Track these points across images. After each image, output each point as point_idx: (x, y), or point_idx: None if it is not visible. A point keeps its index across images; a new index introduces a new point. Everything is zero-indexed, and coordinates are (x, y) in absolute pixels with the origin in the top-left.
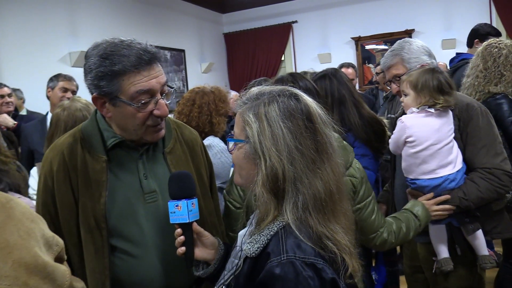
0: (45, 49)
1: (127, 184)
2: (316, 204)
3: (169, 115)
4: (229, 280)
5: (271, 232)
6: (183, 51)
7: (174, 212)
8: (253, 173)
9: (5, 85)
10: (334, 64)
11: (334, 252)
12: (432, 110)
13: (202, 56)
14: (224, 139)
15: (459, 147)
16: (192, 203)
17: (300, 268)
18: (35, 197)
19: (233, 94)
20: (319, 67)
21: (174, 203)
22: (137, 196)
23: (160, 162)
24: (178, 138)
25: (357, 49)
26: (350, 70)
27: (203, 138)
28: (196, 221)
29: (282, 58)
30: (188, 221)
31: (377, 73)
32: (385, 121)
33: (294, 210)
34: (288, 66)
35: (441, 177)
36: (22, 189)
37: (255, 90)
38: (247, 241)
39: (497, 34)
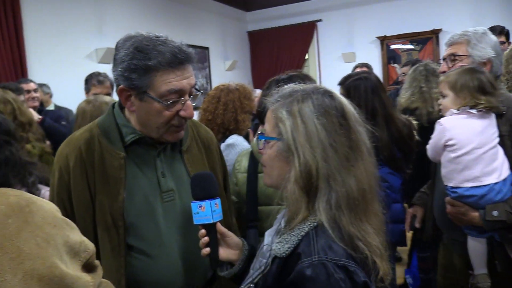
0: (72, 46)
1: (145, 182)
2: (349, 203)
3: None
4: (257, 279)
5: (302, 232)
6: (207, 48)
7: (198, 213)
8: (284, 172)
9: (31, 81)
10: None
11: (365, 254)
12: (474, 111)
13: (226, 54)
14: (248, 137)
15: (508, 154)
16: (216, 203)
17: (332, 270)
18: None
19: (258, 92)
20: (343, 67)
21: (198, 203)
22: (155, 194)
23: (177, 161)
24: (194, 137)
25: (382, 49)
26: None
27: (228, 136)
28: (219, 221)
29: (306, 57)
30: (212, 222)
31: (404, 74)
32: (414, 122)
33: (327, 208)
34: (311, 65)
35: (486, 185)
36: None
37: (287, 88)
38: (276, 241)
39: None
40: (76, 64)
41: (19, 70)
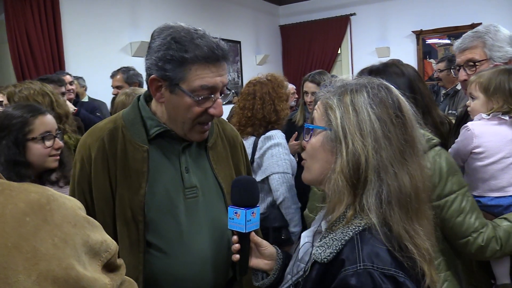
0: (107, 39)
1: (168, 176)
2: (400, 199)
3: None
4: (296, 282)
5: (346, 237)
6: (239, 42)
7: (233, 219)
8: (328, 165)
9: (67, 73)
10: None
11: (413, 258)
12: (506, 117)
13: (258, 48)
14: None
15: None
16: (252, 213)
17: (379, 280)
18: None
19: (290, 87)
20: (377, 61)
21: (234, 209)
22: (177, 190)
23: (202, 157)
24: (219, 134)
25: (418, 43)
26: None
27: (270, 129)
28: (255, 230)
29: (339, 52)
30: (244, 232)
31: (440, 70)
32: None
33: (377, 203)
34: (344, 60)
35: (511, 196)
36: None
37: (339, 80)
38: (316, 244)
39: None
40: (111, 57)
41: (57, 63)
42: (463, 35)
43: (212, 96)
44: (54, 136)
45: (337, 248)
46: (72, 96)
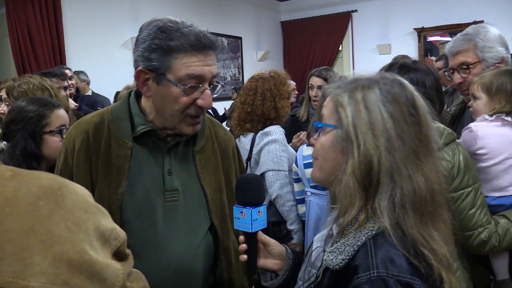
0: (108, 34)
1: (149, 177)
2: (415, 202)
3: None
4: None
5: (359, 242)
6: (240, 38)
7: (238, 219)
8: (339, 165)
9: (67, 68)
10: (394, 56)
11: (430, 262)
12: (510, 118)
13: (259, 44)
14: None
15: None
16: (259, 211)
17: None
18: None
19: (291, 83)
20: (378, 59)
21: (239, 209)
22: (157, 192)
23: (188, 160)
24: (210, 137)
25: (419, 41)
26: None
27: (269, 125)
28: (262, 229)
29: (340, 48)
30: (251, 231)
31: (439, 68)
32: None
33: (390, 207)
34: (345, 57)
35: None
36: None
37: (350, 75)
38: (327, 250)
39: None
40: (112, 52)
41: (57, 57)
42: (453, 38)
43: (200, 86)
44: (67, 129)
45: (349, 254)
46: (73, 91)
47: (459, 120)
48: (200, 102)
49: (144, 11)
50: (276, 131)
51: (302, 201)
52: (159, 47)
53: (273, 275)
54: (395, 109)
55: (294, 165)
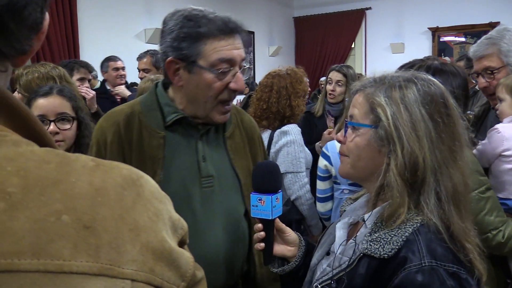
0: (122, 26)
1: (184, 164)
2: (455, 198)
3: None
4: (338, 276)
5: (406, 233)
6: (252, 33)
7: (256, 206)
8: (375, 164)
9: (119, 59)
10: (407, 55)
11: (471, 256)
12: None
13: (271, 39)
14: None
15: None
16: (277, 198)
17: (444, 277)
18: None
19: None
20: (391, 58)
21: (257, 196)
22: (193, 179)
23: (220, 146)
24: (238, 125)
25: (433, 40)
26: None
27: (285, 124)
28: (278, 216)
29: (352, 46)
30: (271, 218)
31: None
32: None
33: (437, 204)
34: (357, 54)
35: None
36: None
37: (381, 73)
38: (367, 239)
39: None
40: (125, 44)
41: (71, 49)
42: (478, 42)
43: (233, 69)
44: (51, 121)
45: (398, 244)
46: (124, 81)
47: (483, 121)
48: (232, 85)
49: (158, 3)
50: (294, 131)
51: (327, 198)
52: (188, 35)
53: (281, 262)
54: (433, 110)
55: (326, 163)
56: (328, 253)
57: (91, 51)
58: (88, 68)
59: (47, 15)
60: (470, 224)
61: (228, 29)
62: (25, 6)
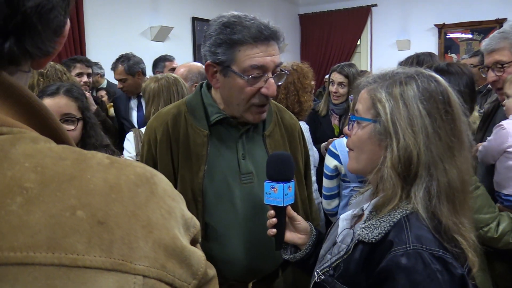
0: (128, 23)
1: (225, 161)
2: (449, 193)
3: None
4: (335, 263)
5: (394, 219)
6: None
7: (270, 194)
8: (375, 156)
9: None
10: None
11: (460, 247)
12: None
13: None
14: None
15: None
16: (289, 187)
17: (428, 260)
18: (129, 159)
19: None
20: (397, 55)
21: (271, 184)
22: (234, 175)
23: (259, 144)
24: (278, 122)
25: (439, 37)
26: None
27: None
28: (290, 204)
29: (358, 43)
30: (282, 205)
31: (473, 66)
32: (476, 114)
33: (426, 197)
34: (363, 52)
35: None
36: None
37: (384, 69)
38: (361, 226)
39: None
40: (131, 41)
41: (78, 46)
42: (490, 36)
43: (264, 75)
44: None
45: (385, 229)
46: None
47: (492, 118)
48: (264, 90)
49: (163, 1)
50: (303, 129)
51: (333, 196)
52: (224, 42)
53: (293, 249)
54: (431, 106)
55: (336, 163)
56: (334, 244)
57: (97, 49)
58: (85, 62)
59: (68, 20)
60: (467, 219)
61: (262, 36)
62: (52, 9)
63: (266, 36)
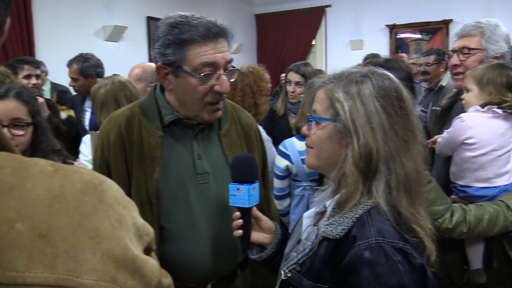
0: (79, 23)
1: (180, 162)
2: (406, 186)
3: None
4: (301, 260)
5: (356, 215)
6: None
7: (235, 195)
8: (335, 154)
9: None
10: (366, 52)
11: (419, 237)
12: (500, 111)
13: (232, 36)
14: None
15: None
16: (254, 188)
17: (390, 253)
18: (86, 163)
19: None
20: (350, 54)
21: (236, 186)
22: (190, 176)
23: (215, 144)
24: (234, 121)
25: (390, 37)
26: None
27: None
28: (255, 205)
29: (313, 43)
30: (248, 206)
31: (429, 64)
32: (424, 114)
33: (386, 191)
34: (318, 51)
35: (496, 187)
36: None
37: (340, 69)
38: (325, 223)
39: None
40: (83, 41)
41: (26, 47)
42: (465, 24)
43: (216, 72)
44: (4, 126)
45: (348, 225)
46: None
47: (449, 113)
48: (217, 88)
49: (116, 0)
50: (263, 132)
51: (285, 196)
52: (173, 42)
53: (259, 249)
54: (387, 103)
55: (288, 163)
56: (299, 241)
57: (47, 49)
58: (34, 64)
59: (8, 19)
60: (423, 209)
61: (211, 34)
62: None
63: (214, 33)
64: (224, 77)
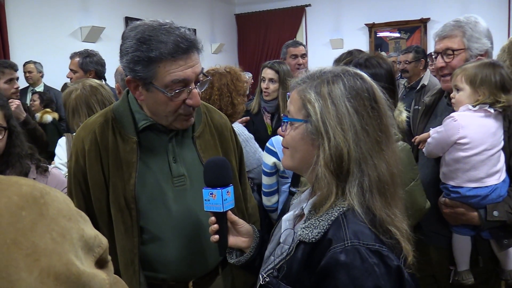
0: (56, 24)
1: (157, 166)
2: (379, 187)
3: None
4: (279, 265)
5: (332, 217)
6: (194, 30)
7: (209, 200)
8: (309, 155)
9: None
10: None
11: (395, 238)
12: (492, 110)
13: (213, 36)
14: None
15: (505, 150)
16: (228, 192)
17: (366, 255)
18: (61, 166)
19: (248, 76)
20: (330, 53)
21: (209, 191)
22: (166, 179)
23: (189, 147)
24: (207, 123)
25: (370, 36)
26: (301, 48)
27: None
28: (231, 209)
29: None
30: (222, 211)
31: (408, 62)
32: (404, 116)
33: (359, 193)
34: None
35: (488, 187)
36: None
37: (313, 69)
38: (301, 226)
39: None
40: (60, 42)
41: (0, 48)
42: (445, 24)
43: (187, 87)
44: None
45: (324, 228)
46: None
47: (433, 110)
48: (189, 102)
49: (93, 1)
50: (241, 130)
51: (273, 192)
52: (141, 59)
53: (238, 253)
54: (358, 103)
55: (275, 160)
56: (278, 244)
57: (22, 51)
58: (14, 67)
59: None
60: (399, 210)
61: (180, 50)
62: None
63: (184, 49)
64: (195, 91)
